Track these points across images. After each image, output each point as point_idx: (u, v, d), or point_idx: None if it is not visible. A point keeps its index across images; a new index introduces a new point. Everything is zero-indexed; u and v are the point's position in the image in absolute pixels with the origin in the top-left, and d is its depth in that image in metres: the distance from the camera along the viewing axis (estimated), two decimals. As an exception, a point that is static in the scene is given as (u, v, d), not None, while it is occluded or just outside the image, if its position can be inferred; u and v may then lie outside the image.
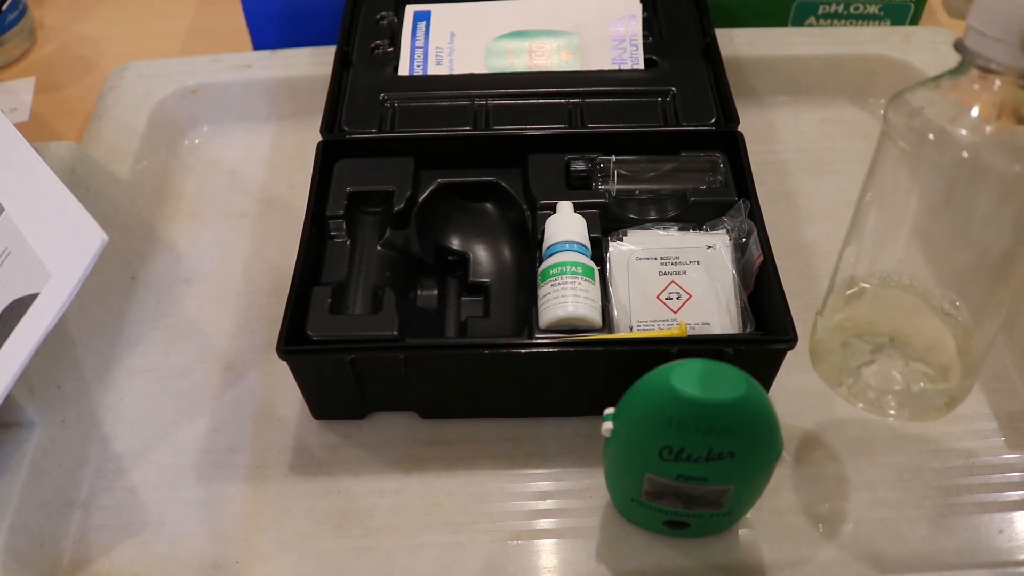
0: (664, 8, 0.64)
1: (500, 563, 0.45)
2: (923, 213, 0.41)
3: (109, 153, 0.61)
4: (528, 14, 0.63)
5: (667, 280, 0.49)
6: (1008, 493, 0.47)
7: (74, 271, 0.44)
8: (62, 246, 0.45)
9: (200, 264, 0.59)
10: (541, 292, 0.48)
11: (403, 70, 0.61)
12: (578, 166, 0.53)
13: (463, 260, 0.54)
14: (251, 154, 0.66)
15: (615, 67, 0.60)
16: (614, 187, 0.53)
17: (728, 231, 0.51)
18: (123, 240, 0.58)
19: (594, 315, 0.47)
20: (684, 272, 0.49)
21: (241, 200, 0.63)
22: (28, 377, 0.47)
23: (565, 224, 0.50)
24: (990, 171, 0.37)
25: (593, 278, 0.48)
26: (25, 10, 0.75)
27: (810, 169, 0.63)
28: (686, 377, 0.37)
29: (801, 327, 0.45)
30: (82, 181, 0.55)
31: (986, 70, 0.36)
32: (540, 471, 0.48)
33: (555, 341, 0.46)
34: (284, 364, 0.47)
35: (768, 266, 0.48)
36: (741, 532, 0.46)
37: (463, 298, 0.54)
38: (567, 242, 0.49)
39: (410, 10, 0.64)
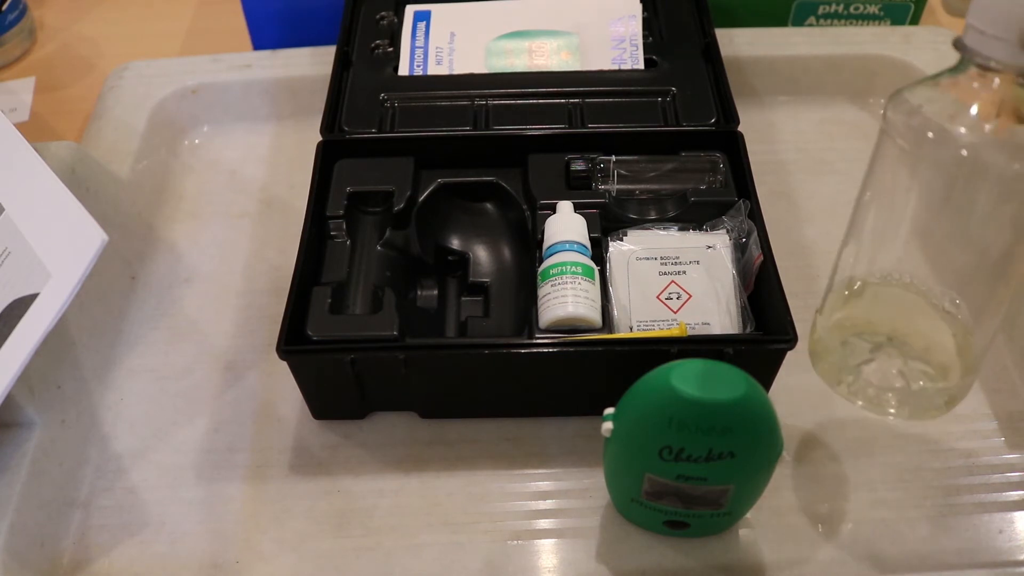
0: (664, 8, 0.64)
1: (500, 563, 0.45)
2: (922, 211, 0.41)
3: (109, 153, 0.61)
4: (528, 14, 0.63)
5: (667, 280, 0.49)
6: (1008, 493, 0.47)
7: (74, 271, 0.44)
8: (62, 246, 0.45)
9: (200, 264, 0.59)
10: (541, 292, 0.48)
11: (403, 70, 0.61)
12: (578, 166, 0.53)
13: (463, 260, 0.54)
14: (251, 154, 0.66)
15: (615, 67, 0.60)
16: (614, 187, 0.53)
17: (728, 231, 0.51)
18: (123, 240, 0.58)
19: (594, 315, 0.47)
20: (684, 272, 0.49)
21: (241, 200, 0.63)
22: (28, 377, 0.47)
23: (565, 224, 0.50)
24: (989, 169, 0.37)
25: (593, 278, 0.48)
26: (25, 10, 0.75)
27: (810, 169, 0.63)
28: (686, 377, 0.37)
29: (801, 327, 0.45)
30: (82, 181, 0.55)
31: (985, 68, 0.36)
32: (540, 471, 0.49)
33: (555, 341, 0.46)
34: (284, 364, 0.47)
35: (768, 266, 0.48)
36: (741, 532, 0.46)
37: (463, 298, 0.54)
38: (567, 242, 0.49)
39: (410, 10, 0.64)
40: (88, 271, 0.44)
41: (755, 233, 0.49)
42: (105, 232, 0.45)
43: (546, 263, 0.48)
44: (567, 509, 0.47)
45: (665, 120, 0.56)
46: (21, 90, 0.72)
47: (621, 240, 0.51)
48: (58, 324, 0.43)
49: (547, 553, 0.46)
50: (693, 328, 0.48)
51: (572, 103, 0.58)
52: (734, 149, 0.54)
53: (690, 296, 0.49)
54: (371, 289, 0.50)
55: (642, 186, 0.53)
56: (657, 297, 0.49)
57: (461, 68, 0.61)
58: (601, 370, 0.47)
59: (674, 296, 0.49)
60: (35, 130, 0.69)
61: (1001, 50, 0.35)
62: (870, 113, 0.67)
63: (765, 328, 0.48)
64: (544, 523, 0.47)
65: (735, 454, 0.38)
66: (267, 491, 0.48)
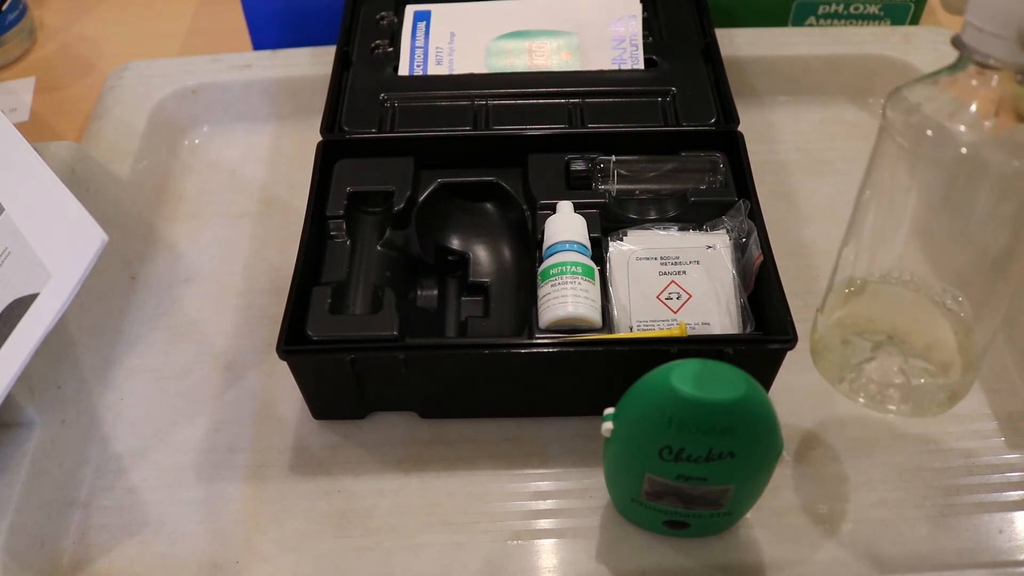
0: (664, 8, 0.64)
1: (500, 563, 0.45)
2: (922, 210, 0.41)
3: (109, 153, 0.61)
4: (528, 14, 0.63)
5: (667, 280, 0.49)
6: (1008, 493, 0.47)
7: (74, 271, 0.44)
8: (62, 246, 0.45)
9: (200, 264, 0.59)
10: (541, 292, 0.48)
11: (403, 70, 0.61)
12: (578, 166, 0.53)
13: (463, 260, 0.54)
14: (251, 154, 0.66)
15: (615, 67, 0.60)
16: (614, 187, 0.53)
17: (728, 231, 0.51)
18: (123, 240, 0.58)
19: (594, 315, 0.47)
20: (684, 272, 0.49)
21: (241, 200, 0.63)
22: (28, 377, 0.47)
23: (565, 224, 0.50)
24: (989, 167, 0.37)
25: (593, 278, 0.48)
26: (25, 10, 0.75)
27: (810, 169, 0.63)
28: (686, 377, 0.37)
29: (801, 327, 0.45)
30: (82, 181, 0.55)
31: (984, 66, 0.36)
32: (540, 471, 0.48)
33: (555, 341, 0.46)
34: (284, 364, 0.47)
35: (768, 266, 0.48)
36: (741, 532, 0.46)
37: (463, 298, 0.54)
38: (567, 242, 0.49)
39: (410, 10, 0.64)
40: (88, 271, 0.44)
41: (755, 233, 0.49)
42: (105, 232, 0.45)
43: (546, 263, 0.48)
44: (567, 509, 0.47)
45: (665, 120, 0.56)
46: (21, 90, 0.72)
47: (621, 240, 0.51)
48: (58, 324, 0.43)
49: (547, 553, 0.46)
50: (693, 328, 0.48)
51: (572, 103, 0.58)
52: (734, 149, 0.54)
53: (690, 296, 0.49)
54: (371, 289, 0.50)
55: (642, 186, 0.53)
56: (657, 297, 0.49)
57: (461, 68, 0.61)
58: (601, 370, 0.47)
59: (674, 296, 0.49)
60: (35, 130, 0.69)
61: (1000, 48, 0.35)
62: (870, 113, 0.67)
63: (765, 328, 0.48)
64: (544, 523, 0.47)
65: (735, 454, 0.38)
66: (267, 491, 0.48)
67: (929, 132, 0.38)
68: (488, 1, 0.64)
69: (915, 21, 0.71)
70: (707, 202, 0.52)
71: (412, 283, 0.53)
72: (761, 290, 0.49)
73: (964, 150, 0.37)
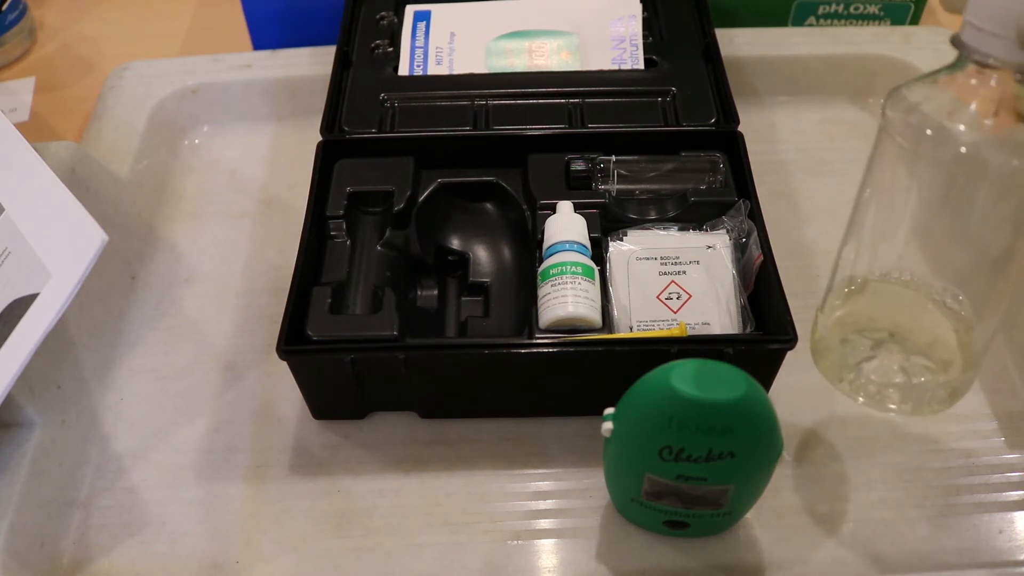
0: (664, 8, 0.64)
1: (500, 563, 0.45)
2: (922, 209, 0.41)
3: (109, 153, 0.61)
4: (528, 14, 0.63)
5: (667, 280, 0.49)
6: (1008, 493, 0.47)
7: (74, 271, 0.44)
8: (62, 246, 0.45)
9: (200, 264, 0.59)
10: (541, 292, 0.48)
11: (403, 70, 0.61)
12: (578, 166, 0.53)
13: (463, 260, 0.54)
14: (251, 154, 0.66)
15: (615, 67, 0.60)
16: (614, 187, 0.53)
17: (728, 231, 0.51)
18: (123, 240, 0.58)
19: (594, 315, 0.47)
20: (684, 272, 0.49)
21: (241, 200, 0.63)
22: (28, 377, 0.47)
23: (565, 224, 0.50)
24: (988, 166, 0.37)
25: (593, 278, 0.48)
26: (25, 10, 0.75)
27: (810, 169, 0.63)
28: (686, 377, 0.37)
29: (801, 327, 0.45)
30: (82, 181, 0.55)
31: (983, 65, 0.36)
32: (540, 471, 0.48)
33: (555, 341, 0.46)
34: (284, 364, 0.47)
35: (768, 266, 0.48)
36: (741, 532, 0.46)
37: (463, 298, 0.54)
38: (567, 242, 0.49)
39: (410, 10, 0.64)
40: (88, 271, 0.44)
41: (755, 233, 0.49)
42: (105, 232, 0.45)
43: (546, 263, 0.48)
44: (567, 509, 0.47)
45: (665, 120, 0.56)
46: (21, 90, 0.72)
47: (621, 240, 0.51)
48: (58, 324, 0.43)
49: (547, 553, 0.46)
50: (693, 328, 0.48)
51: (572, 103, 0.58)
52: (734, 149, 0.54)
53: (690, 296, 0.49)
54: (371, 289, 0.50)
55: (642, 186, 0.53)
56: (657, 297, 0.49)
57: (461, 68, 0.61)
58: (601, 370, 0.47)
59: (674, 296, 0.49)
60: (35, 130, 0.69)
61: (999, 47, 0.35)
62: (870, 113, 0.67)
63: (765, 328, 0.48)
64: (544, 523, 0.47)
65: (735, 454, 0.38)
66: (267, 491, 0.48)
67: (929, 131, 0.38)
68: (488, 1, 0.65)
69: (915, 21, 0.71)
70: (707, 202, 0.52)
71: (412, 283, 0.53)
72: (761, 290, 0.49)
73: (963, 149, 0.37)
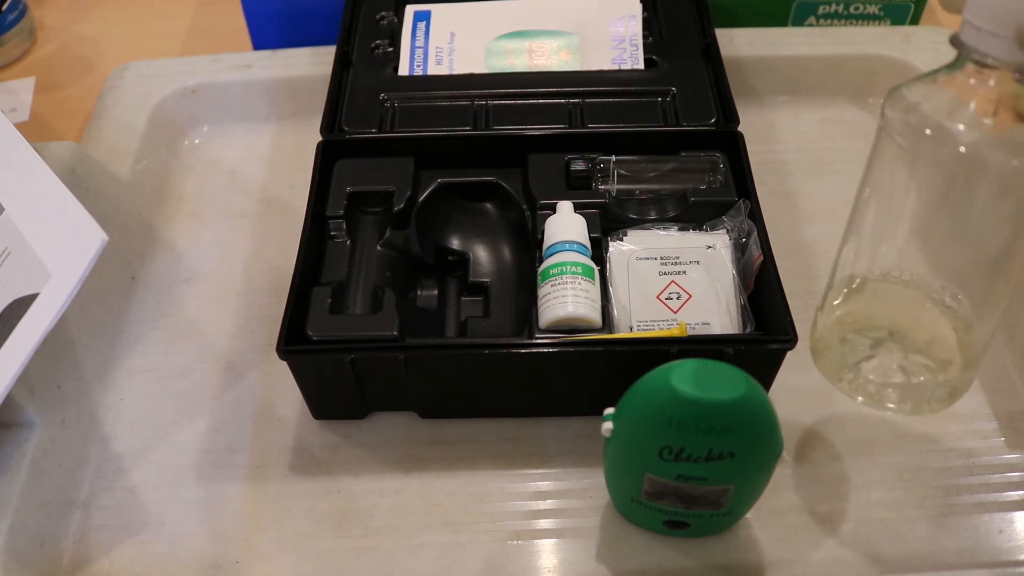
0: (664, 8, 0.64)
1: (500, 563, 0.45)
2: (921, 208, 0.41)
3: (109, 153, 0.61)
4: (528, 14, 0.63)
5: (667, 280, 0.49)
6: (1008, 493, 0.47)
7: (74, 271, 0.44)
8: (62, 246, 0.45)
9: (200, 264, 0.59)
10: (541, 292, 0.48)
11: (403, 70, 0.61)
12: (578, 166, 0.53)
13: (463, 260, 0.54)
14: (251, 154, 0.66)
15: (615, 67, 0.60)
16: (614, 187, 0.53)
17: (728, 231, 0.51)
18: (123, 240, 0.58)
19: (594, 315, 0.47)
20: (684, 272, 0.49)
21: (241, 200, 0.63)
22: (28, 377, 0.47)
23: (565, 224, 0.50)
24: (987, 166, 0.37)
25: (593, 278, 0.48)
26: (25, 10, 0.75)
27: (810, 169, 0.63)
28: (686, 377, 0.37)
29: (801, 327, 0.45)
30: (82, 181, 0.55)
31: (982, 65, 0.36)
32: (540, 471, 0.48)
33: (555, 341, 0.46)
34: (284, 364, 0.47)
35: (768, 266, 0.48)
36: (741, 532, 0.46)
37: (463, 298, 0.54)
38: (567, 242, 0.49)
39: (410, 10, 0.64)
40: (88, 271, 0.44)
41: (755, 233, 0.49)
42: (105, 232, 0.45)
43: (546, 263, 0.48)
44: (567, 509, 0.47)
45: (665, 120, 0.56)
46: (21, 90, 0.72)
47: (621, 240, 0.51)
48: (58, 324, 0.43)
49: (547, 553, 0.46)
50: (693, 328, 0.48)
51: (572, 103, 0.58)
52: (734, 149, 0.54)
53: (690, 296, 0.49)
54: (371, 289, 0.50)
55: (642, 186, 0.53)
56: (657, 297, 0.49)
57: (461, 68, 0.61)
58: (601, 370, 0.47)
59: (674, 296, 0.49)
60: (35, 130, 0.69)
61: (998, 46, 0.35)
62: (870, 113, 0.67)
63: (765, 328, 0.48)
64: (544, 523, 0.47)
65: (735, 454, 0.38)
66: (267, 491, 0.48)
67: (928, 131, 0.38)
68: (488, 1, 0.65)
69: (915, 21, 0.71)
70: (707, 202, 0.52)
71: (412, 283, 0.53)
72: (761, 290, 0.49)
73: (963, 149, 0.37)
